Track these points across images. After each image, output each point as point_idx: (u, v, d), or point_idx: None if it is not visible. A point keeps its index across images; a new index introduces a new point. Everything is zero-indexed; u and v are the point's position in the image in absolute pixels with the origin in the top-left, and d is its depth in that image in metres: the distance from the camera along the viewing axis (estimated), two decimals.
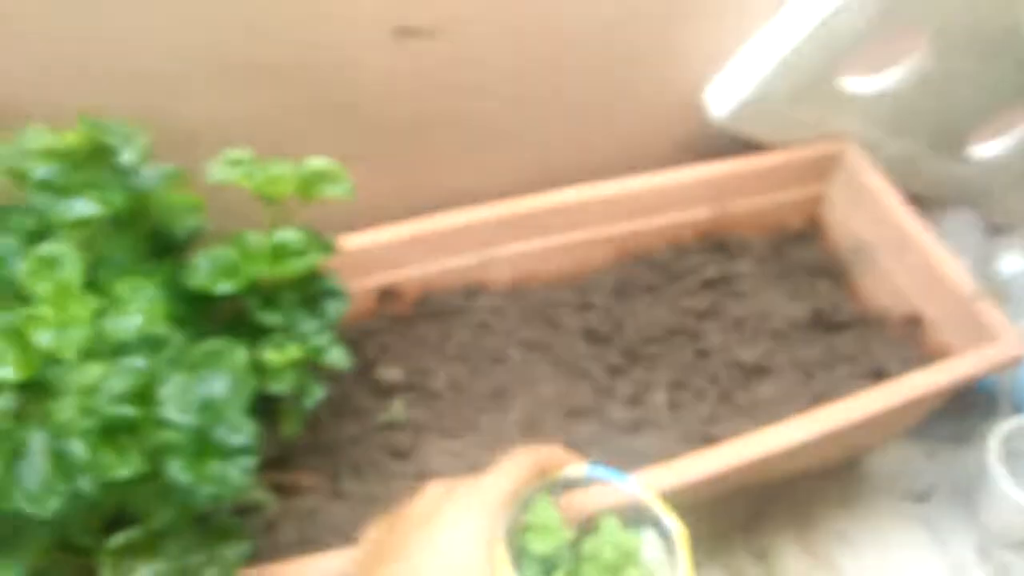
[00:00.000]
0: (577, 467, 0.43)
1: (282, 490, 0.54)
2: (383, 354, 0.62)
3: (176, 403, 0.35)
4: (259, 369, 0.48)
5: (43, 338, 0.36)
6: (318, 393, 0.50)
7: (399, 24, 0.55)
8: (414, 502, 0.39)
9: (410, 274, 0.64)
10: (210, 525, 0.39)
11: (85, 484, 0.34)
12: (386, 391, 0.60)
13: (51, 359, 0.36)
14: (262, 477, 0.53)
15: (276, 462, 0.55)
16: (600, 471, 0.43)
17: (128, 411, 0.33)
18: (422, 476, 0.55)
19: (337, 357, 0.50)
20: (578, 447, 0.55)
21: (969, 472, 0.64)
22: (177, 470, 0.34)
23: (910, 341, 0.59)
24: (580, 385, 0.60)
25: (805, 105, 0.65)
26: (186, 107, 0.56)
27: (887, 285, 0.62)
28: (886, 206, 0.62)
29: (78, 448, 0.32)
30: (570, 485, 0.43)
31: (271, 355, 0.48)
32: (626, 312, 0.64)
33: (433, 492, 0.40)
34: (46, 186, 0.40)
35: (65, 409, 0.33)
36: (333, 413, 0.58)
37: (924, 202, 0.76)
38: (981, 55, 0.65)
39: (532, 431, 0.57)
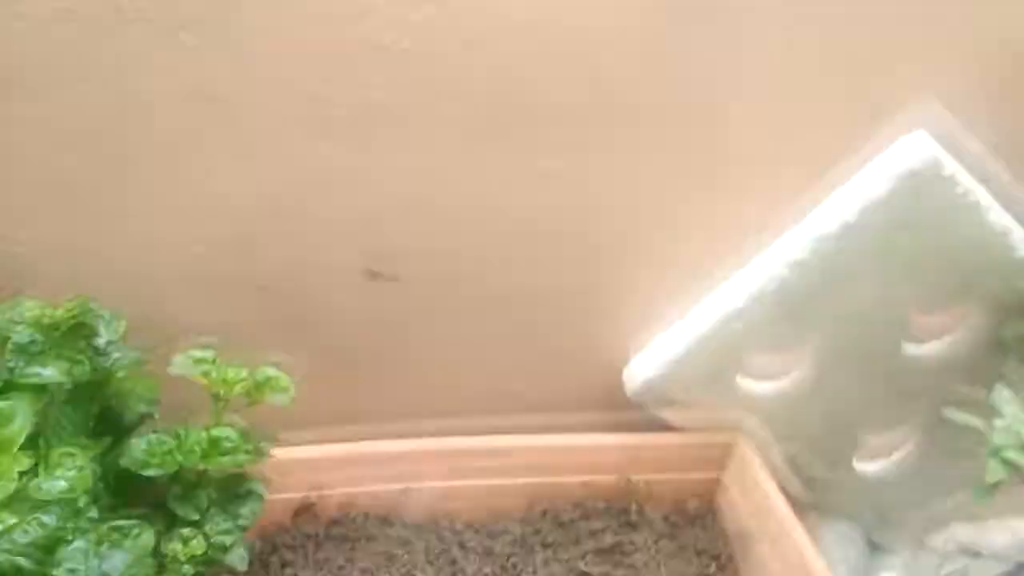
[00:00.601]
0: None
1: None
2: (285, 569, 0.62)
3: (73, 568, 0.36)
4: (160, 556, 0.49)
5: None
6: None
7: (369, 266, 0.64)
8: None
9: (330, 492, 0.66)
10: None
11: None
12: None
13: None
14: None
15: None
16: None
17: (26, 563, 0.34)
18: None
19: (237, 558, 0.51)
20: None
21: None
22: None
23: None
24: None
25: (706, 393, 0.72)
26: (171, 303, 0.62)
27: (765, 574, 0.65)
28: (769, 501, 0.67)
29: None
30: None
31: (175, 547, 0.49)
32: (525, 567, 0.65)
33: None
34: (23, 350, 0.44)
35: None
36: None
37: (809, 508, 0.81)
38: (861, 375, 0.74)
39: None
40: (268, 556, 0.62)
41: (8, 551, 0.34)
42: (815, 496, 0.81)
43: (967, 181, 0.65)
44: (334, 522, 0.66)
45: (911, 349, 0.74)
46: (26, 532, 0.35)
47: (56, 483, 0.41)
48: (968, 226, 0.67)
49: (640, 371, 0.72)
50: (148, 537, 0.45)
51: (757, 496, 0.69)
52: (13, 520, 0.36)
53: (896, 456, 0.83)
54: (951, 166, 0.64)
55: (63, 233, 0.59)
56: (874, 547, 0.85)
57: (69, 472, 0.42)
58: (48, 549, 0.35)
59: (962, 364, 0.75)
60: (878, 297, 0.70)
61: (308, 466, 0.65)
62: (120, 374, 0.52)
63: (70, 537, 0.37)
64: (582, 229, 0.68)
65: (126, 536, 0.43)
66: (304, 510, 0.66)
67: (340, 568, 0.63)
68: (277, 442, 0.60)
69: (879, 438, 0.81)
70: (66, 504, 0.40)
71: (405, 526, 0.67)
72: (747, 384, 0.74)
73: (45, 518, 0.37)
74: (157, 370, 0.57)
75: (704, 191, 0.68)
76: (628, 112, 0.62)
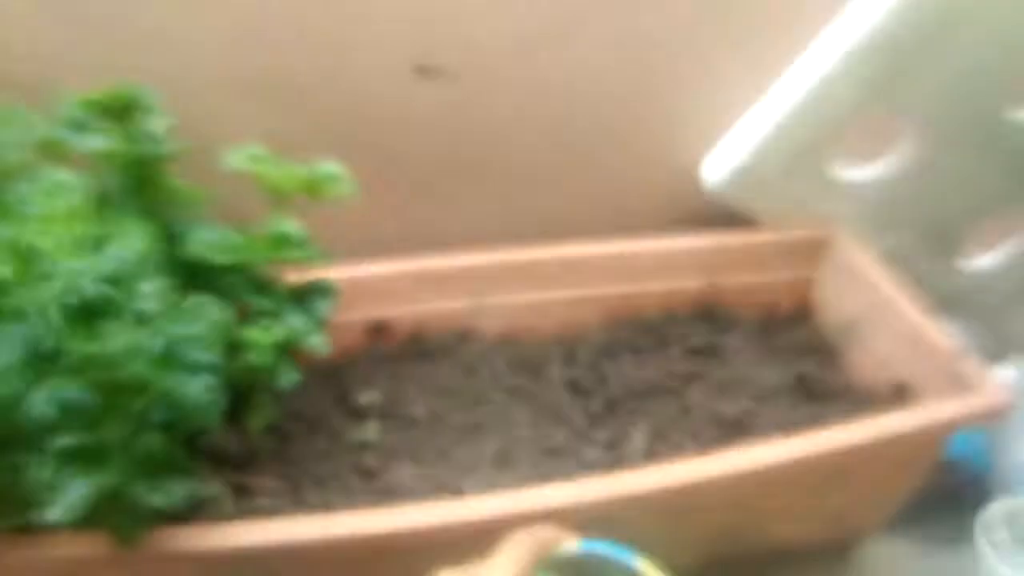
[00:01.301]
0: (573, 544, 0.41)
1: (241, 491, 0.54)
2: (365, 384, 0.63)
3: (155, 299, 0.36)
4: (239, 346, 0.50)
5: (44, 243, 0.39)
6: (294, 376, 0.51)
7: (420, 62, 0.62)
8: None
9: (402, 311, 0.66)
10: (162, 456, 0.39)
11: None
12: (362, 415, 0.60)
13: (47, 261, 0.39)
14: (221, 475, 0.53)
15: (239, 465, 0.55)
16: (598, 546, 0.41)
17: (109, 291, 0.34)
18: (388, 494, 0.54)
19: (318, 342, 0.51)
20: (550, 479, 0.55)
21: (965, 573, 0.62)
22: (142, 365, 0.35)
23: (896, 410, 0.59)
24: (559, 429, 0.60)
25: (796, 181, 0.69)
26: (212, 111, 0.61)
27: (874, 357, 0.63)
28: (872, 279, 0.64)
29: (54, 317, 0.34)
30: (569, 562, 0.41)
31: (254, 333, 0.50)
32: (611, 369, 0.65)
33: None
34: (73, 123, 0.44)
35: (51, 288, 0.35)
36: (305, 429, 0.59)
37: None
38: (969, 149, 0.69)
39: (506, 465, 0.57)
40: (346, 374, 0.63)
41: (92, 281, 0.35)
42: (926, 295, 0.78)
43: None
44: (409, 341, 0.66)
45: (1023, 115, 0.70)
46: (107, 263, 0.36)
47: (130, 244, 0.41)
48: None
49: (722, 160, 0.69)
50: (224, 314, 0.45)
51: (859, 282, 0.66)
52: (92, 258, 0.36)
53: (1006, 247, 0.79)
54: None
55: (99, 40, 0.58)
56: (987, 353, 0.82)
57: (141, 238, 0.42)
58: (128, 281, 0.36)
59: None
60: (988, 46, 0.63)
61: (376, 285, 0.65)
62: (170, 176, 0.52)
63: (148, 273, 0.37)
64: (645, 9, 0.64)
65: (201, 310, 0.44)
66: (377, 330, 0.66)
67: (421, 380, 0.63)
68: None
69: (988, 225, 0.77)
70: (141, 261, 0.40)
71: (483, 341, 0.67)
72: (841, 170, 0.70)
73: (124, 254, 0.37)
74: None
75: None
76: None
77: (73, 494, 0.36)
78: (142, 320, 0.36)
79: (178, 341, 0.38)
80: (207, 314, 0.43)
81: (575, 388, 0.64)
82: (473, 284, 0.67)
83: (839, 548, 0.63)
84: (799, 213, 0.70)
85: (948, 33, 0.62)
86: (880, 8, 0.61)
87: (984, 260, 0.79)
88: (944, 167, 0.69)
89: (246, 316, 0.52)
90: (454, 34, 0.62)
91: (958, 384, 0.54)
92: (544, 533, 0.41)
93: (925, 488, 0.61)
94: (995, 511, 0.57)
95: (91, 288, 0.34)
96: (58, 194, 0.41)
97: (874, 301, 0.64)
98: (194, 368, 0.37)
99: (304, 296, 0.55)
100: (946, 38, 0.62)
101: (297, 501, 0.54)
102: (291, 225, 0.53)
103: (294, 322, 0.52)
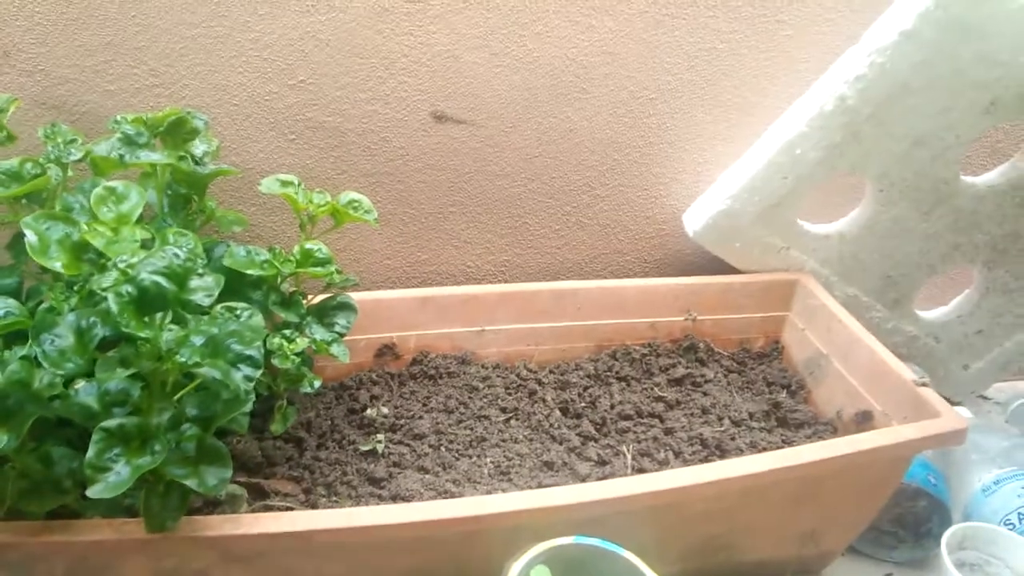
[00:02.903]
0: (568, 538, 0.42)
1: (257, 493, 0.53)
2: (374, 399, 0.63)
3: (205, 292, 0.37)
4: (266, 354, 0.50)
5: (97, 242, 0.39)
6: (316, 381, 0.51)
7: (437, 109, 0.64)
8: None
9: (409, 336, 0.67)
10: (200, 444, 0.39)
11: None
12: (371, 428, 0.60)
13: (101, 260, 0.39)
14: (238, 477, 0.53)
15: (255, 469, 0.55)
16: (589, 540, 0.42)
17: (164, 282, 0.35)
18: (395, 499, 0.54)
19: (339, 351, 0.52)
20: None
21: None
22: (189, 354, 0.36)
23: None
24: (553, 446, 0.60)
25: (767, 231, 0.71)
26: (246, 145, 0.63)
27: (840, 389, 0.64)
28: (836, 319, 0.66)
29: (111, 306, 0.34)
30: (564, 553, 0.42)
31: (279, 341, 0.50)
32: (601, 394, 0.66)
33: None
34: (130, 140, 0.45)
35: (108, 278, 0.35)
36: (318, 440, 0.59)
37: None
38: (919, 206, 0.72)
39: (505, 476, 0.57)
40: (357, 392, 0.63)
41: (149, 272, 0.35)
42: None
43: None
44: (415, 362, 0.67)
45: (969, 177, 0.73)
46: (161, 259, 0.36)
47: (182, 243, 0.41)
48: None
49: (703, 210, 0.71)
50: (258, 320, 0.45)
51: (825, 319, 0.68)
52: (146, 253, 0.37)
53: (955, 301, 0.82)
54: None
55: (138, 75, 0.59)
56: None
57: (186, 243, 0.43)
58: (182, 277, 0.36)
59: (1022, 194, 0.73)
60: (937, 116, 0.67)
61: (386, 311, 0.66)
62: (210, 195, 0.53)
63: (199, 270, 0.38)
64: (640, 76, 0.68)
65: (238, 315, 0.44)
66: (384, 352, 0.67)
67: (426, 398, 0.64)
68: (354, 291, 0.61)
69: (938, 280, 0.80)
70: (193, 258, 0.41)
71: (483, 365, 0.68)
72: (808, 224, 0.73)
73: (178, 251, 0.37)
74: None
75: (760, 30, 0.67)
76: None
77: (116, 474, 0.36)
78: (193, 313, 0.37)
79: (224, 335, 0.39)
80: (244, 321, 0.44)
81: (567, 411, 0.64)
82: (475, 313, 0.68)
83: (807, 569, 0.63)
84: (771, 262, 0.73)
85: (897, 104, 0.66)
86: (840, 81, 0.64)
87: (934, 312, 0.82)
88: (898, 225, 0.72)
89: (272, 328, 0.53)
90: (468, 86, 0.64)
91: (919, 412, 0.55)
92: None
93: (889, 513, 0.62)
94: (955, 535, 0.58)
95: (148, 279, 0.35)
96: (109, 199, 0.42)
97: (839, 338, 0.66)
98: (238, 360, 0.37)
99: (326, 311, 0.55)
100: (895, 108, 0.66)
101: (308, 504, 0.53)
102: (316, 244, 0.54)
103: (317, 333, 0.53)
